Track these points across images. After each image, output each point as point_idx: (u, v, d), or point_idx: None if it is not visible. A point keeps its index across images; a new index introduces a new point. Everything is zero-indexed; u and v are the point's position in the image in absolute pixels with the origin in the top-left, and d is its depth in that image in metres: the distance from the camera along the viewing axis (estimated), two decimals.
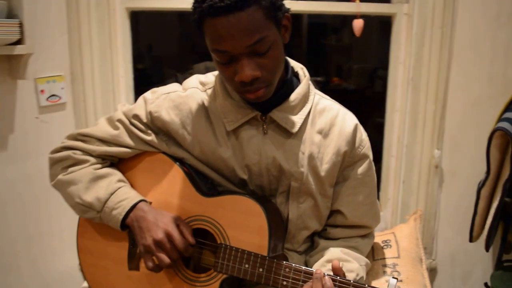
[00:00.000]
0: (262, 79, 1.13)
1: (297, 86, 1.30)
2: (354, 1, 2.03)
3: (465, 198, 2.20)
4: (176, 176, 1.31)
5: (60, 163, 1.32)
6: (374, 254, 1.65)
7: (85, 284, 1.42)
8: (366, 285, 1.10)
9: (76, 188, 1.28)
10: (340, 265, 1.14)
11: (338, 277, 1.12)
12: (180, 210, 1.29)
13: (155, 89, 1.37)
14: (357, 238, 1.42)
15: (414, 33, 2.07)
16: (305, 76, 1.32)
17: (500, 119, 1.85)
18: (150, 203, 1.31)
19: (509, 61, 2.07)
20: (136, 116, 1.31)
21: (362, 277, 1.32)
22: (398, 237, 1.76)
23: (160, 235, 1.20)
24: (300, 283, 1.15)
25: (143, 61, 3.63)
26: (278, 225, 1.27)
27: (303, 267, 1.16)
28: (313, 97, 1.33)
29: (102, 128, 1.33)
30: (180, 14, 2.35)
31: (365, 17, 2.07)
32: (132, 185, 1.34)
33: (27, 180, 1.86)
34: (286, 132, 1.28)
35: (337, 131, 1.31)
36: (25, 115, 1.83)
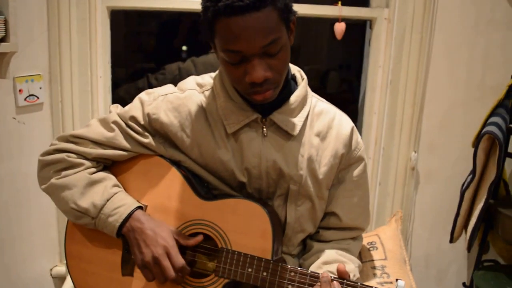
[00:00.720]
0: (272, 80, 1.12)
1: (295, 88, 1.30)
2: (336, 5, 2.05)
3: (439, 200, 2.27)
4: (173, 179, 1.28)
5: (53, 166, 1.26)
6: (362, 256, 1.66)
7: None
8: (373, 287, 1.10)
9: (70, 193, 1.23)
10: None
11: (345, 280, 1.12)
12: (178, 214, 1.26)
13: (150, 90, 1.33)
14: (349, 240, 1.42)
15: (393, 38, 2.11)
16: (302, 79, 1.33)
17: (487, 123, 1.90)
18: (146, 206, 1.28)
19: (487, 67, 2.14)
20: (133, 118, 1.27)
21: (358, 278, 1.33)
22: (383, 238, 1.79)
23: (159, 251, 1.18)
24: (306, 286, 1.15)
25: None
26: (278, 228, 1.26)
27: (309, 271, 1.16)
28: (311, 100, 1.33)
29: (95, 130, 1.29)
30: (126, 13, 2.27)
31: (314, 19, 2.09)
32: (126, 189, 1.30)
33: None
34: (285, 135, 1.27)
35: (335, 134, 1.32)
36: (2, 115, 1.75)
